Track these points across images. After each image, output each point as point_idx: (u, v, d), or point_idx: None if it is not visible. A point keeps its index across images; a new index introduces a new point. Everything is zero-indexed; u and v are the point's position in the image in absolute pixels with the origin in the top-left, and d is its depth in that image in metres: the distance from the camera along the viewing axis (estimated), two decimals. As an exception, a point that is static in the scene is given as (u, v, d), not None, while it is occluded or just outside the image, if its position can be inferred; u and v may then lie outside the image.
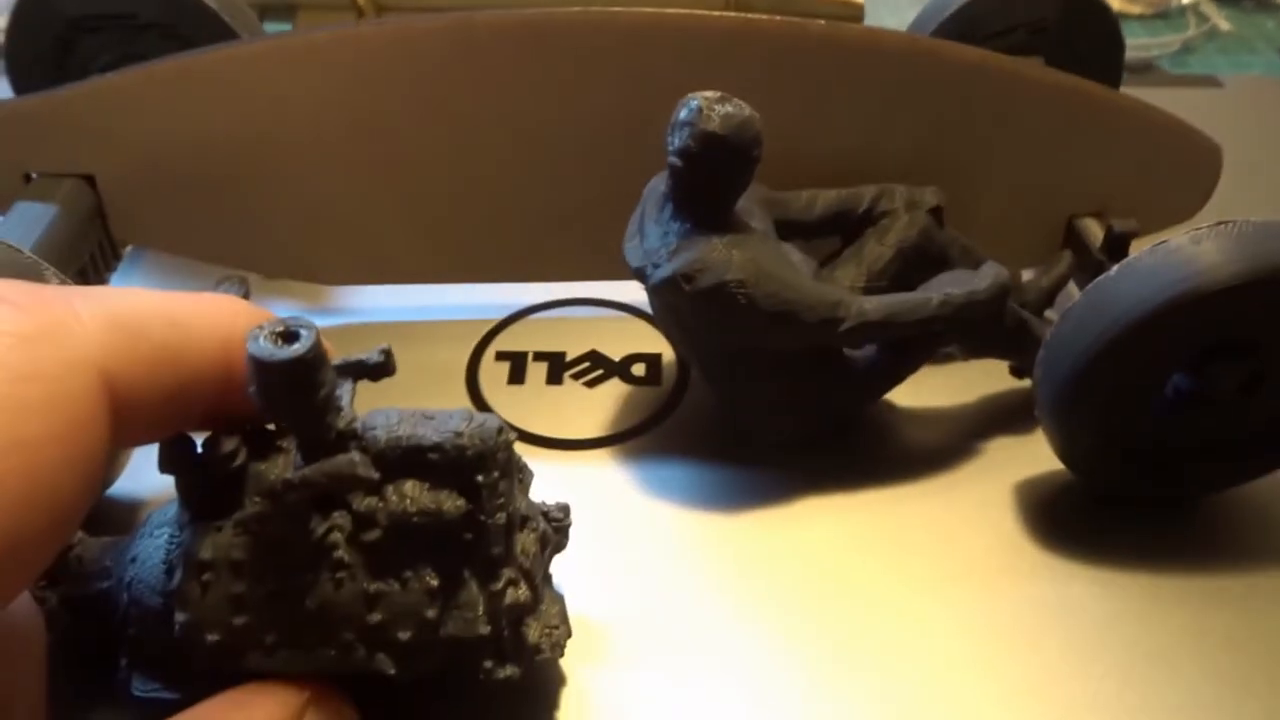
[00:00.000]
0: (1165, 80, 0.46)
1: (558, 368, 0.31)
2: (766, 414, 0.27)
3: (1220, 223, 0.23)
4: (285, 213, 0.30)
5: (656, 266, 0.25)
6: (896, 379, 0.27)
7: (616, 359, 0.31)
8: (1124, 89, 0.45)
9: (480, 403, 0.30)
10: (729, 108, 0.23)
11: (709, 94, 0.24)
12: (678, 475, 0.28)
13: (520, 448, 0.28)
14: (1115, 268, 0.23)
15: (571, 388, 0.30)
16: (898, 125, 0.29)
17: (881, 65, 0.28)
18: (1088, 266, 0.30)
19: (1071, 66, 0.35)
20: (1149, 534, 0.26)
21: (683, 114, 0.23)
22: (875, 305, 0.25)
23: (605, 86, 0.28)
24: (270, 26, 0.56)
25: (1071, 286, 0.31)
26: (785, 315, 0.24)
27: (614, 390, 0.30)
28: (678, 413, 0.30)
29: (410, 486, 0.19)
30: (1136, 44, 0.60)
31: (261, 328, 0.17)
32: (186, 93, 0.29)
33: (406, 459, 0.19)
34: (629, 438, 0.29)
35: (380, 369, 0.20)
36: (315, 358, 0.17)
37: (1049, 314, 0.31)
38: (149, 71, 0.29)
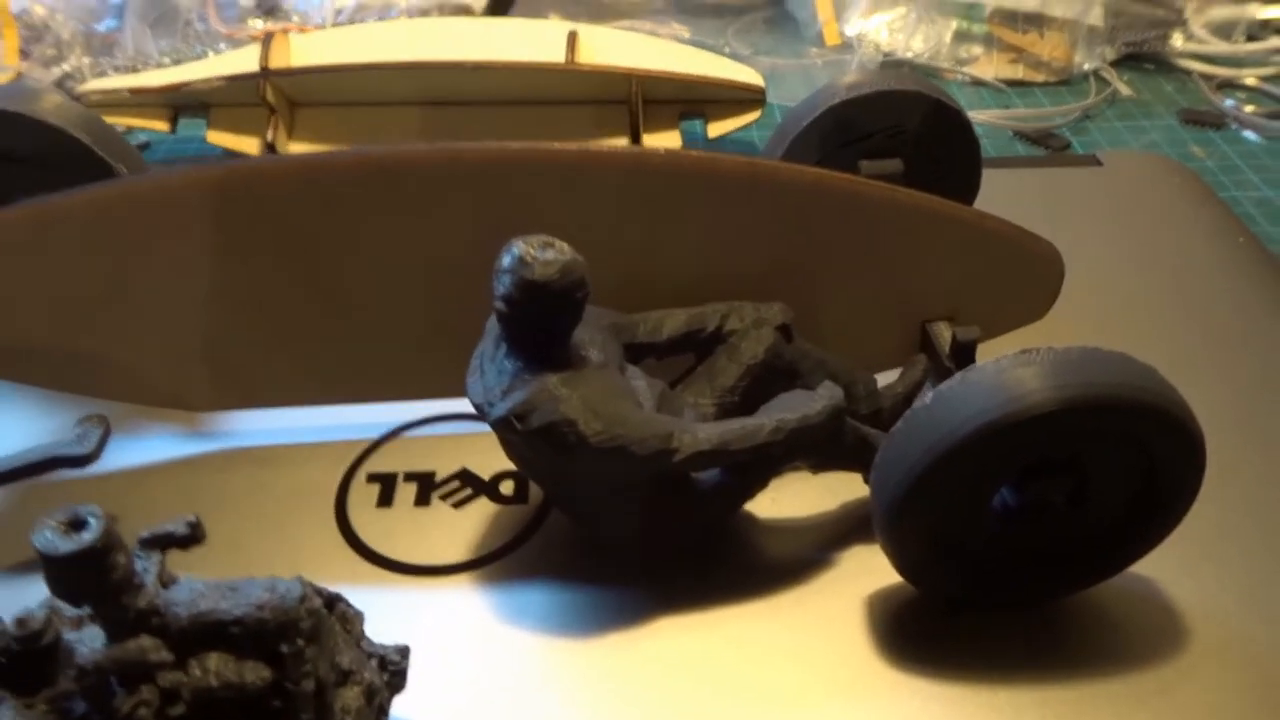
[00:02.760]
0: (1048, 161, 0.47)
1: (427, 488, 0.31)
2: (617, 536, 0.28)
3: (1027, 350, 0.24)
4: (153, 344, 0.31)
5: (492, 405, 0.25)
6: (743, 498, 0.28)
7: (486, 478, 0.32)
8: (1008, 171, 0.47)
9: (347, 528, 0.30)
10: (550, 254, 0.24)
11: (531, 239, 0.24)
12: (539, 599, 0.28)
13: (382, 576, 0.29)
14: (930, 394, 0.24)
15: (439, 509, 0.31)
16: (744, 243, 0.30)
17: (723, 188, 0.29)
18: (941, 371, 0.31)
19: (930, 168, 0.36)
20: (993, 645, 0.27)
21: (505, 261, 0.24)
22: (708, 435, 0.26)
23: (460, 216, 0.29)
24: (184, 124, 0.57)
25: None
26: (616, 450, 0.25)
27: (481, 511, 0.31)
28: (541, 532, 0.30)
29: (214, 660, 0.19)
30: (1038, 113, 0.61)
31: (49, 517, 0.18)
32: (48, 236, 0.29)
33: (210, 633, 0.19)
34: (493, 560, 0.29)
35: (188, 540, 0.20)
36: (104, 546, 0.18)
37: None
38: (8, 217, 0.29)
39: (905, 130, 0.35)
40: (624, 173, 0.29)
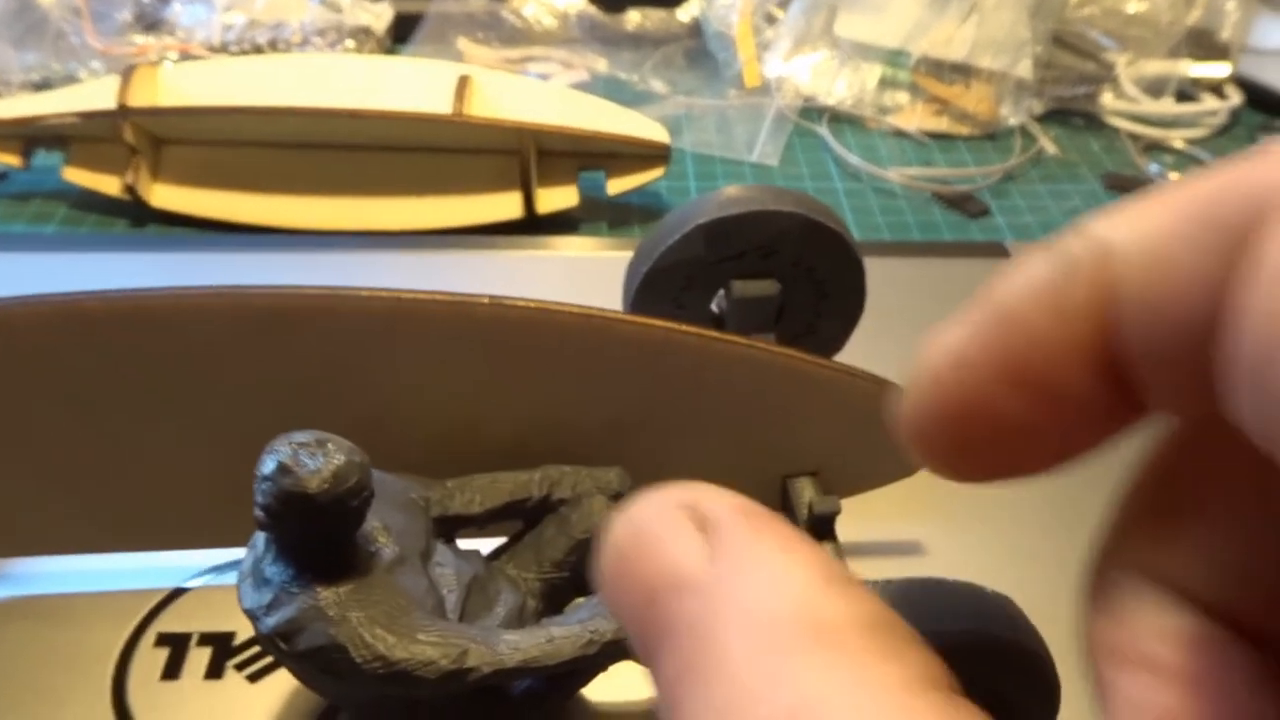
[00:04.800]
0: (956, 251, 0.45)
1: (222, 654, 0.28)
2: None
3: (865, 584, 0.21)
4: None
5: (257, 618, 0.22)
6: (560, 703, 0.25)
7: (290, 642, 0.28)
8: (908, 260, 0.44)
9: (122, 708, 0.27)
10: (318, 460, 0.21)
11: (298, 440, 0.21)
12: (332, 799, 0.25)
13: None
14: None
15: (233, 682, 0.27)
16: (582, 399, 0.27)
17: (556, 341, 0.26)
18: (798, 537, 0.28)
19: (809, 286, 0.33)
20: None
21: (265, 467, 0.21)
22: (510, 650, 0.22)
23: (251, 365, 0.26)
24: (40, 158, 0.52)
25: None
26: (397, 676, 0.21)
27: (279, 685, 0.27)
28: (344, 717, 0.27)
29: None
30: (959, 172, 0.59)
31: None
32: None
33: None
34: (284, 751, 0.26)
35: None
36: None
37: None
38: None
39: (781, 250, 0.32)
40: (441, 324, 0.25)
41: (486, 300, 0.25)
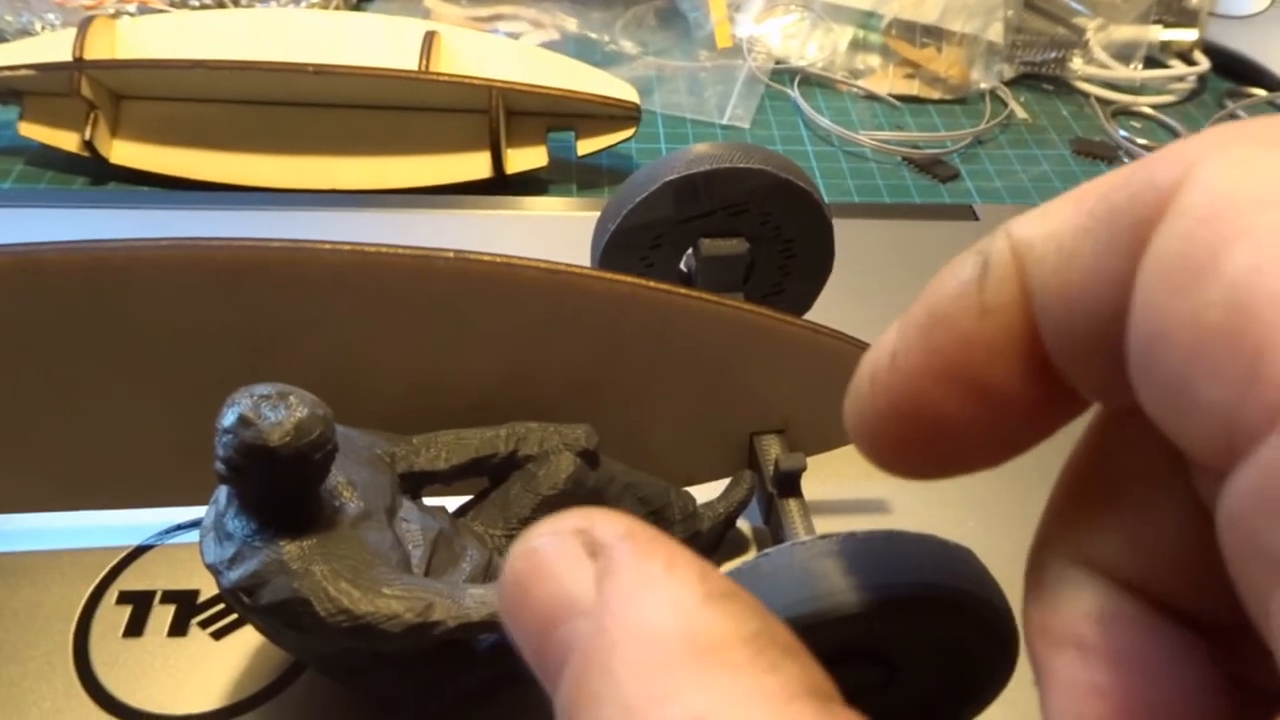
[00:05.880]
0: (925, 213, 0.45)
1: (186, 612, 0.28)
2: (384, 697, 0.25)
3: (827, 536, 0.21)
4: None
5: (220, 572, 0.22)
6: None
7: (254, 600, 0.28)
8: (877, 222, 0.44)
9: (84, 665, 0.26)
10: (280, 412, 0.20)
11: (259, 391, 0.21)
12: (298, 754, 0.25)
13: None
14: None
15: (197, 640, 0.27)
16: (548, 355, 0.27)
17: (520, 296, 0.26)
18: (764, 494, 0.29)
19: (777, 245, 0.33)
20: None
21: (226, 419, 0.20)
22: (476, 604, 0.22)
23: (213, 319, 0.25)
24: (-4, 111, 0.51)
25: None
26: (361, 630, 0.21)
27: (244, 642, 0.27)
28: (307, 674, 0.27)
29: None
30: (929, 136, 0.59)
31: None
32: None
33: None
34: (250, 708, 0.26)
35: None
36: None
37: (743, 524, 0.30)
38: None
39: (750, 208, 0.32)
40: (402, 277, 0.25)
41: (451, 254, 0.25)
